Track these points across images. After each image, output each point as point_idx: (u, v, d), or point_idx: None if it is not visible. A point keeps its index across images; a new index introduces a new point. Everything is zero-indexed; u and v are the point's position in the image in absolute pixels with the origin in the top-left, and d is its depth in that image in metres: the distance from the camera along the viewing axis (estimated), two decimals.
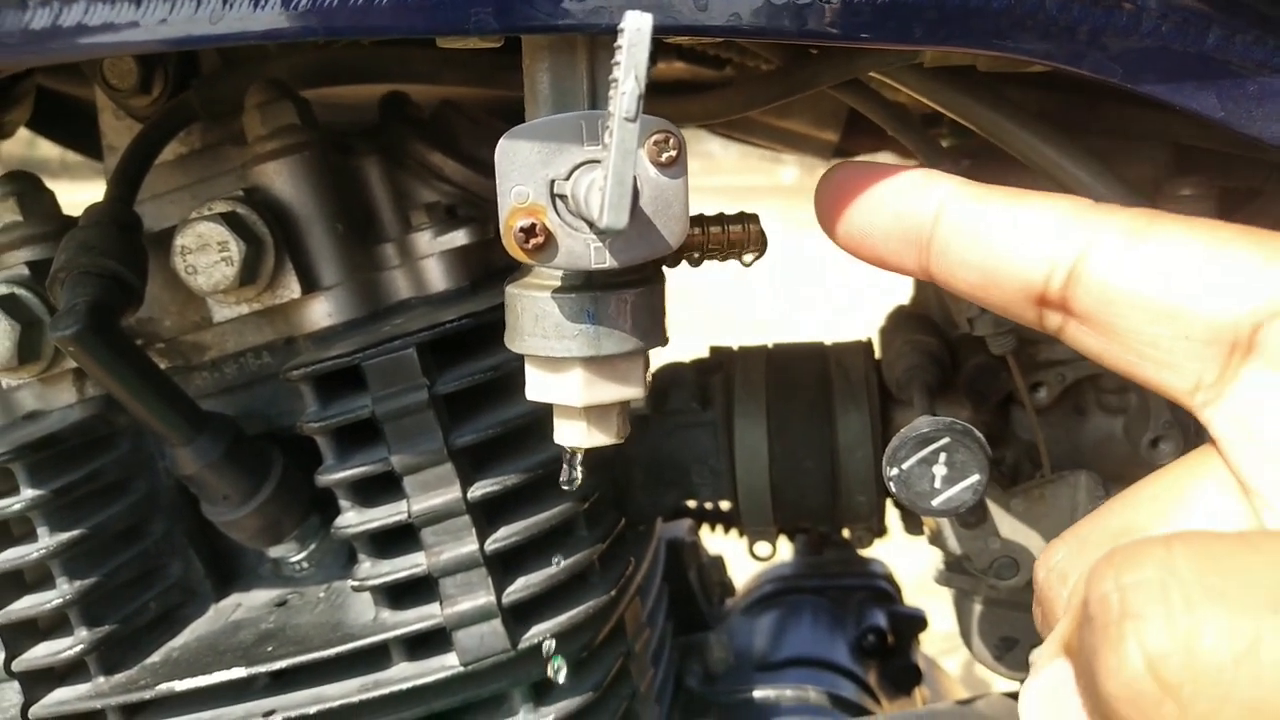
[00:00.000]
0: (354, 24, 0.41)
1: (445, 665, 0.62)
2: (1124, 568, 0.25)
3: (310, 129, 0.66)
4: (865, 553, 1.25)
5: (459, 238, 0.67)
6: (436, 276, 0.67)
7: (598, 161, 0.41)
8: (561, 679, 0.64)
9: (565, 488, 0.50)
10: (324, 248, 0.66)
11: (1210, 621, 0.23)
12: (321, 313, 0.66)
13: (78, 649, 0.64)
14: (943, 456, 0.56)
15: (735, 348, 0.86)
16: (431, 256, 0.67)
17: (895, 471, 0.56)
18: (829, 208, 0.39)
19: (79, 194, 0.78)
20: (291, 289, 0.65)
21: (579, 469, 0.50)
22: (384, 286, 0.68)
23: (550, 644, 0.64)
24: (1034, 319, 0.35)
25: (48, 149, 1.18)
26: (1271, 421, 0.29)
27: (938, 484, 0.56)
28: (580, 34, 0.42)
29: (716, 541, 1.05)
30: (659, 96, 0.73)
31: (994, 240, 0.35)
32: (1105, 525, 0.32)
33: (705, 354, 0.87)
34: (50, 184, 0.73)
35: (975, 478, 0.56)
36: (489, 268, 0.69)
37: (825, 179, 0.39)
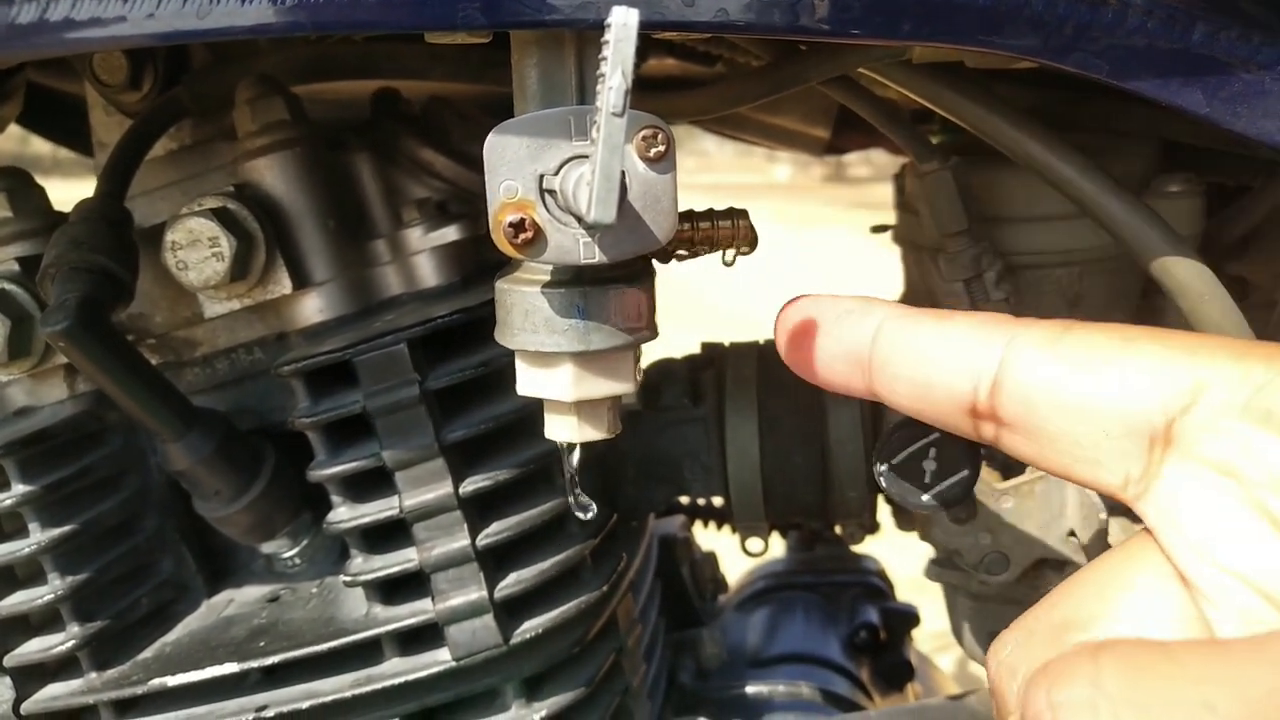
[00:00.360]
0: (341, 19, 0.41)
1: (437, 660, 0.63)
2: (1055, 684, 0.27)
3: (301, 125, 0.66)
4: (858, 549, 1.25)
5: (450, 233, 0.67)
6: (428, 272, 0.68)
7: (586, 157, 0.41)
8: None
9: (580, 515, 0.51)
10: (315, 243, 0.66)
11: None
12: (313, 308, 0.67)
13: (69, 645, 0.64)
14: (932, 452, 0.56)
15: (727, 344, 0.86)
16: (423, 252, 0.67)
17: (884, 467, 0.56)
18: (787, 342, 0.42)
19: (71, 190, 0.78)
20: (283, 285, 0.65)
21: (591, 504, 0.51)
22: (375, 282, 0.68)
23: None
24: (970, 430, 0.38)
25: (40, 145, 1.18)
26: (1194, 517, 0.30)
27: (927, 479, 0.56)
28: (568, 29, 0.42)
29: (709, 538, 1.05)
30: (649, 92, 0.74)
31: (923, 356, 0.37)
32: (1050, 618, 0.33)
33: (697, 350, 0.87)
34: (42, 180, 0.73)
35: (965, 473, 0.56)
36: (480, 263, 0.69)
37: (782, 314, 0.42)
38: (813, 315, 0.41)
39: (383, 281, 0.68)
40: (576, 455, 0.49)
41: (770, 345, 0.85)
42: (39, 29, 0.40)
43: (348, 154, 0.69)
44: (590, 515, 0.51)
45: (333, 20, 0.41)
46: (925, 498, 0.57)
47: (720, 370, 0.82)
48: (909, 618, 1.15)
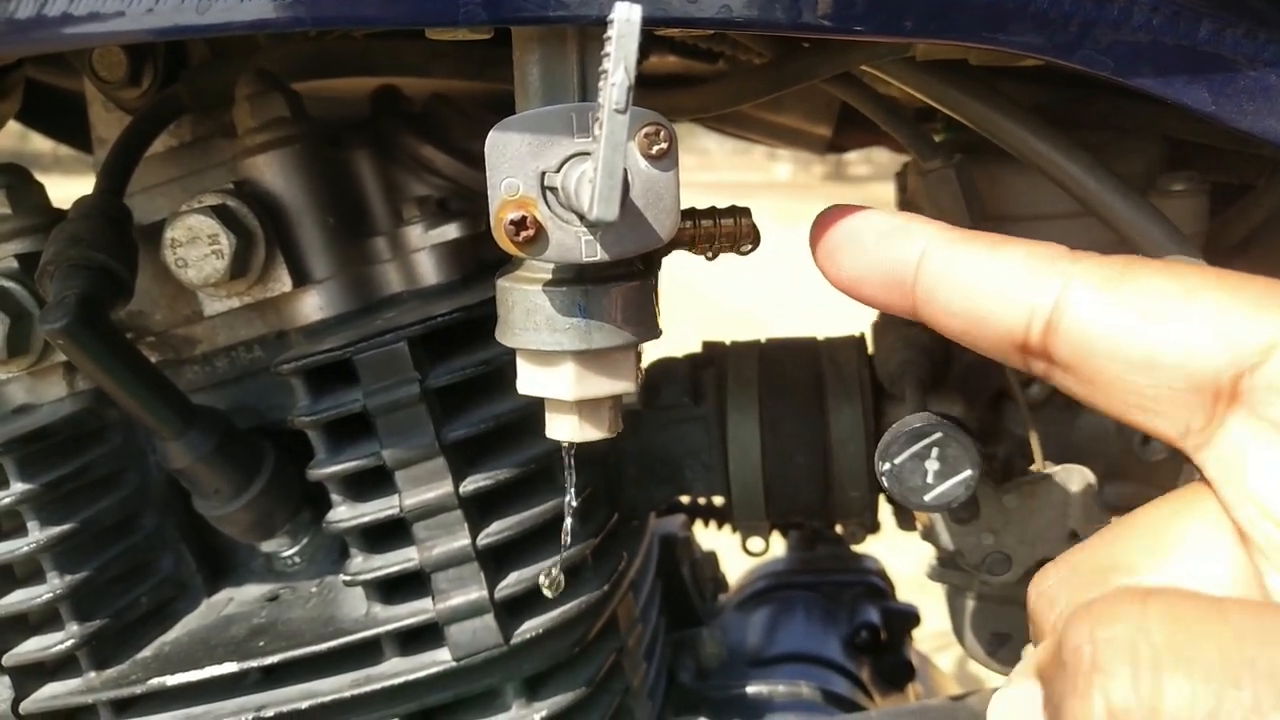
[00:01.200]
0: (342, 14, 0.41)
1: (437, 660, 0.62)
2: (1099, 621, 0.26)
3: (301, 121, 0.66)
4: (858, 549, 1.25)
5: (450, 231, 0.67)
6: (428, 270, 0.67)
7: (588, 154, 0.41)
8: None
9: (564, 540, 0.52)
10: (315, 241, 0.66)
11: (1175, 685, 0.24)
12: (313, 306, 0.66)
13: (68, 644, 0.64)
14: (935, 452, 0.56)
15: (728, 343, 0.86)
16: (423, 250, 0.67)
17: (887, 466, 0.56)
18: (823, 254, 0.40)
19: (71, 187, 0.78)
20: (283, 282, 0.65)
21: (573, 521, 0.52)
22: (375, 280, 0.68)
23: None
24: (1020, 364, 0.36)
25: (40, 142, 1.18)
26: (1259, 475, 0.30)
27: (930, 479, 0.56)
28: (570, 25, 0.42)
29: (709, 537, 1.05)
30: (651, 89, 0.73)
31: (973, 289, 0.35)
32: (1096, 557, 0.32)
33: (698, 349, 0.87)
34: (42, 177, 0.72)
35: (967, 473, 0.56)
36: (481, 261, 0.69)
37: (817, 223, 0.40)
38: (850, 232, 0.39)
39: (383, 279, 0.68)
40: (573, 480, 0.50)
41: (772, 344, 0.85)
42: (38, 24, 0.39)
43: (348, 151, 0.69)
44: (558, 591, 0.53)
45: (333, 15, 0.40)
46: (928, 498, 0.58)
47: (721, 369, 0.82)
48: (910, 618, 1.15)
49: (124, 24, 0.39)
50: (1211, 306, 0.30)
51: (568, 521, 0.53)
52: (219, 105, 0.69)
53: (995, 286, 0.35)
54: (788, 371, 0.80)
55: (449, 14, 0.40)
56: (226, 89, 0.68)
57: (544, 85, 0.44)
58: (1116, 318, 0.32)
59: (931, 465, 0.56)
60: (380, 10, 0.40)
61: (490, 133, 0.42)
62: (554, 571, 0.54)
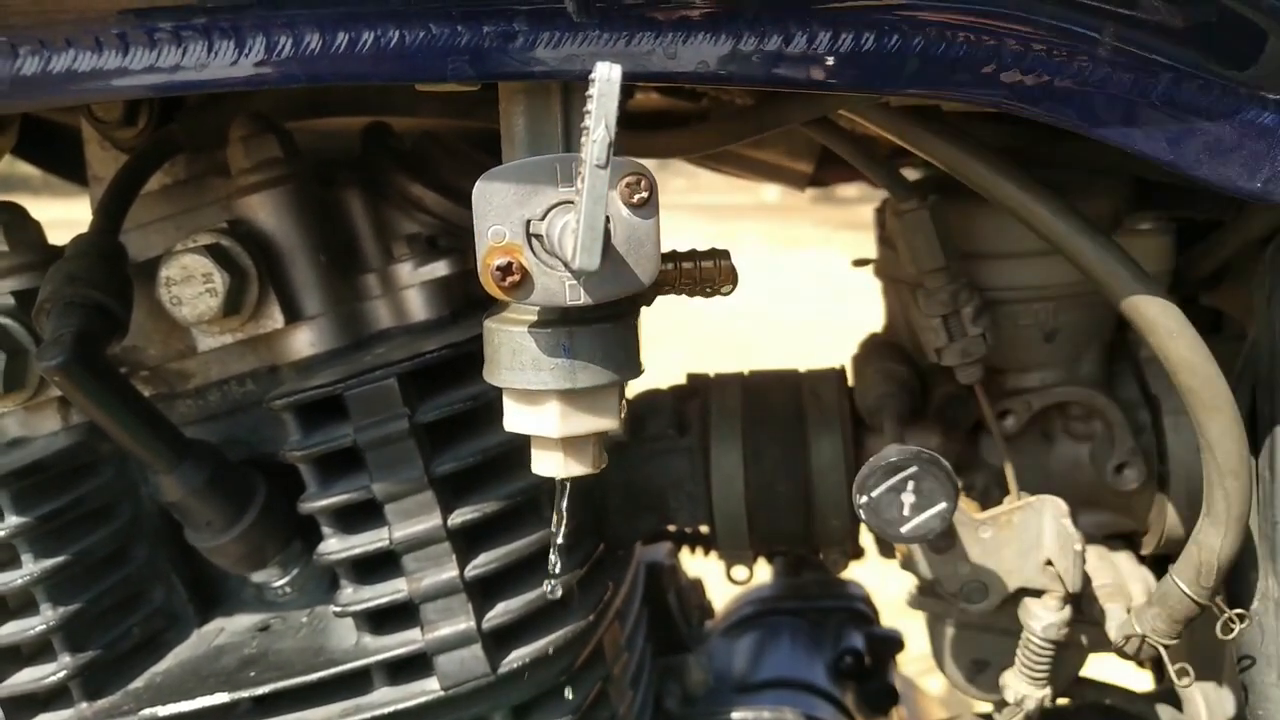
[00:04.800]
0: (335, 70, 0.43)
1: (426, 690, 0.64)
2: None
3: (293, 161, 0.68)
4: (844, 574, 1.26)
5: (440, 269, 0.68)
6: (417, 306, 0.69)
7: (572, 202, 0.43)
8: None
9: (548, 586, 0.54)
10: (307, 278, 0.67)
11: None
12: (304, 342, 0.68)
13: (61, 675, 0.65)
14: (911, 485, 0.58)
15: (711, 375, 0.88)
16: (413, 287, 0.69)
17: (865, 499, 0.58)
18: None
19: (61, 210, 0.79)
20: (275, 319, 0.66)
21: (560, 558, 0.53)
22: (366, 316, 0.69)
23: None
24: None
25: (29, 166, 1.19)
26: None
27: (906, 511, 0.58)
28: (554, 80, 0.44)
29: (695, 564, 1.06)
30: (636, 132, 0.75)
31: None
32: None
33: (682, 379, 0.89)
34: (32, 200, 0.73)
35: (942, 505, 0.58)
36: (469, 298, 0.71)
37: None
38: None
39: (373, 315, 0.69)
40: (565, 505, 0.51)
41: (754, 376, 0.87)
42: (42, 81, 0.41)
43: (339, 190, 0.71)
44: (557, 595, 0.54)
45: (327, 72, 0.42)
46: (904, 529, 0.59)
47: (705, 401, 0.83)
48: (894, 643, 1.16)
49: (126, 81, 0.41)
50: None
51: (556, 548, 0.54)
52: (212, 145, 0.71)
53: None
54: (770, 403, 0.82)
55: (438, 71, 0.42)
56: (220, 129, 0.70)
57: (529, 136, 0.46)
58: None
59: (908, 498, 0.57)
60: (372, 67, 0.42)
61: (478, 182, 0.43)
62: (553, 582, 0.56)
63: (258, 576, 0.71)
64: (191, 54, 0.41)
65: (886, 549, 0.87)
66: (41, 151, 1.06)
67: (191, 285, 0.63)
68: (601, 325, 0.47)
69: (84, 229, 0.67)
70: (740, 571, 0.87)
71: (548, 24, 0.42)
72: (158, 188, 0.72)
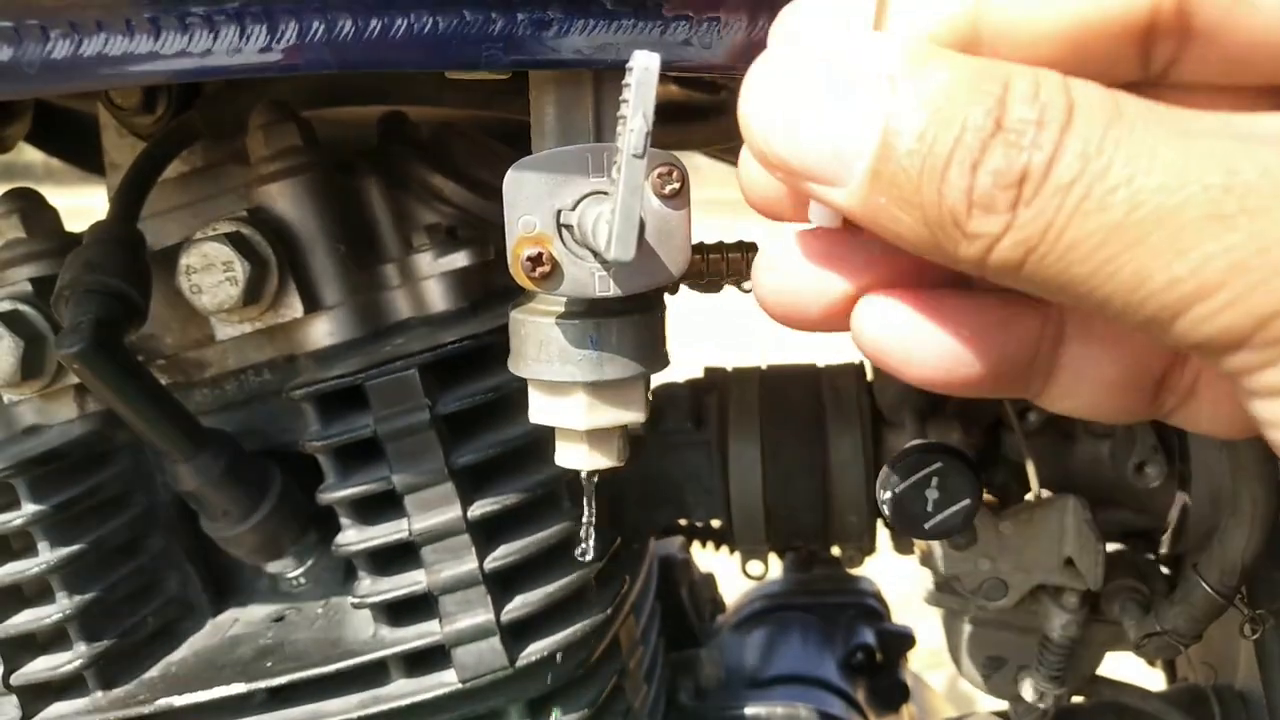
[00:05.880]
0: (368, 57, 0.42)
1: (443, 682, 0.63)
2: None
3: (313, 150, 0.67)
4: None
5: (459, 259, 0.68)
6: (437, 297, 0.68)
7: (603, 193, 0.42)
8: None
9: (580, 558, 0.53)
10: (326, 268, 0.67)
11: None
12: (323, 332, 0.67)
13: (76, 664, 0.65)
14: (935, 481, 0.57)
15: (729, 368, 0.87)
16: (432, 278, 0.68)
17: (888, 495, 0.58)
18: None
19: (63, 198, 0.79)
20: (294, 308, 0.66)
21: (593, 542, 0.53)
22: (385, 306, 0.69)
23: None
24: (1136, 66, 0.30)
25: (32, 153, 1.18)
26: None
27: (930, 508, 0.58)
28: (586, 69, 0.43)
29: (707, 558, 1.06)
30: (660, 124, 0.75)
31: None
32: None
33: (698, 373, 0.89)
34: (35, 187, 0.73)
35: (966, 502, 0.57)
36: (489, 288, 0.70)
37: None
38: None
39: (392, 305, 0.69)
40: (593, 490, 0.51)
41: (773, 371, 0.86)
42: (72, 65, 0.41)
43: (358, 179, 0.70)
44: (588, 558, 0.53)
45: (359, 58, 0.42)
46: (928, 526, 0.59)
47: (723, 395, 0.83)
48: (905, 639, 1.16)
49: (157, 65, 0.41)
50: None
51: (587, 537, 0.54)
52: (231, 132, 0.70)
53: None
54: (789, 398, 0.81)
55: (471, 58, 0.42)
56: (239, 117, 0.69)
57: (560, 126, 0.46)
58: None
59: (932, 494, 0.57)
60: (405, 55, 0.42)
61: (509, 171, 0.43)
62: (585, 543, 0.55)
63: (273, 567, 0.71)
64: (224, 39, 0.41)
65: (903, 545, 0.87)
66: (50, 137, 1.06)
67: (212, 273, 0.62)
68: (629, 317, 0.46)
69: (87, 216, 0.67)
70: (756, 566, 0.87)
71: (582, 11, 0.41)
72: (175, 175, 0.72)
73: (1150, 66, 0.30)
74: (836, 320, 0.33)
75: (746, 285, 0.54)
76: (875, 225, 0.29)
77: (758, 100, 0.30)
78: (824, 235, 0.33)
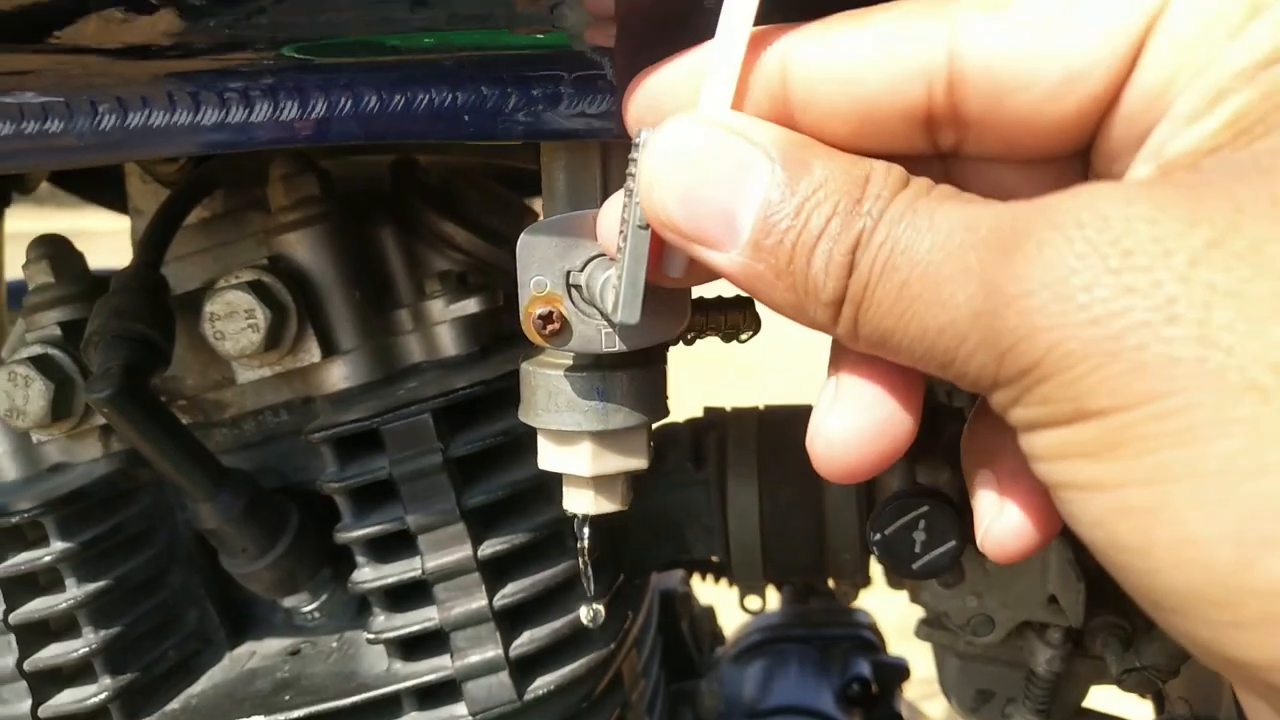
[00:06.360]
0: (392, 129, 0.45)
1: (455, 715, 0.66)
2: None
3: (331, 200, 0.70)
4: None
5: (470, 305, 0.71)
6: (448, 342, 0.71)
7: (610, 256, 0.45)
8: None
9: (589, 624, 0.56)
10: (342, 313, 0.70)
11: None
12: (339, 375, 0.70)
13: (101, 696, 0.67)
14: (922, 523, 0.60)
15: (728, 409, 0.90)
16: (444, 323, 0.71)
17: (878, 537, 0.60)
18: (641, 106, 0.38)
19: (66, 221, 0.82)
20: (312, 353, 0.69)
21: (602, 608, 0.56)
22: (398, 350, 0.72)
23: None
24: (926, 145, 0.34)
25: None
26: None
27: (918, 549, 0.60)
28: (594, 139, 0.47)
29: (707, 591, 1.08)
30: None
31: (854, 72, 0.32)
32: None
33: (698, 412, 0.91)
34: (37, 211, 0.76)
35: (952, 544, 0.60)
36: (498, 333, 0.73)
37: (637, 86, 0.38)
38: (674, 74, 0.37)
39: (405, 350, 0.72)
40: (588, 534, 0.53)
41: (770, 411, 0.89)
42: (118, 137, 0.44)
43: (373, 227, 0.73)
44: (597, 624, 0.56)
45: (384, 131, 0.45)
46: (916, 566, 0.62)
47: (722, 435, 0.85)
48: (900, 670, 1.18)
49: (197, 137, 0.44)
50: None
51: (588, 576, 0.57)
52: (251, 180, 0.73)
53: (879, 59, 0.32)
54: (786, 439, 0.84)
55: (489, 131, 0.45)
56: (259, 166, 0.72)
57: (570, 191, 0.49)
58: (1015, 37, 0.31)
59: (919, 536, 0.60)
60: (427, 127, 0.45)
61: (522, 235, 0.46)
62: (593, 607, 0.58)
63: (288, 601, 0.73)
64: (259, 112, 0.44)
65: (895, 581, 0.89)
66: (68, 176, 1.09)
67: (235, 321, 0.65)
68: (633, 370, 0.49)
69: (89, 238, 0.69)
70: (753, 601, 0.90)
71: (591, 88, 0.44)
72: (196, 221, 0.74)
73: (940, 144, 0.34)
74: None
75: (744, 336, 0.57)
76: (751, 288, 0.34)
77: (658, 168, 0.34)
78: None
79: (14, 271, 0.88)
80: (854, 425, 0.35)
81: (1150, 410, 0.26)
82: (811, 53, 0.33)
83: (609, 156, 0.48)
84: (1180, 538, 0.26)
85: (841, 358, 0.37)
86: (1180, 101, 0.30)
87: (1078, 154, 0.33)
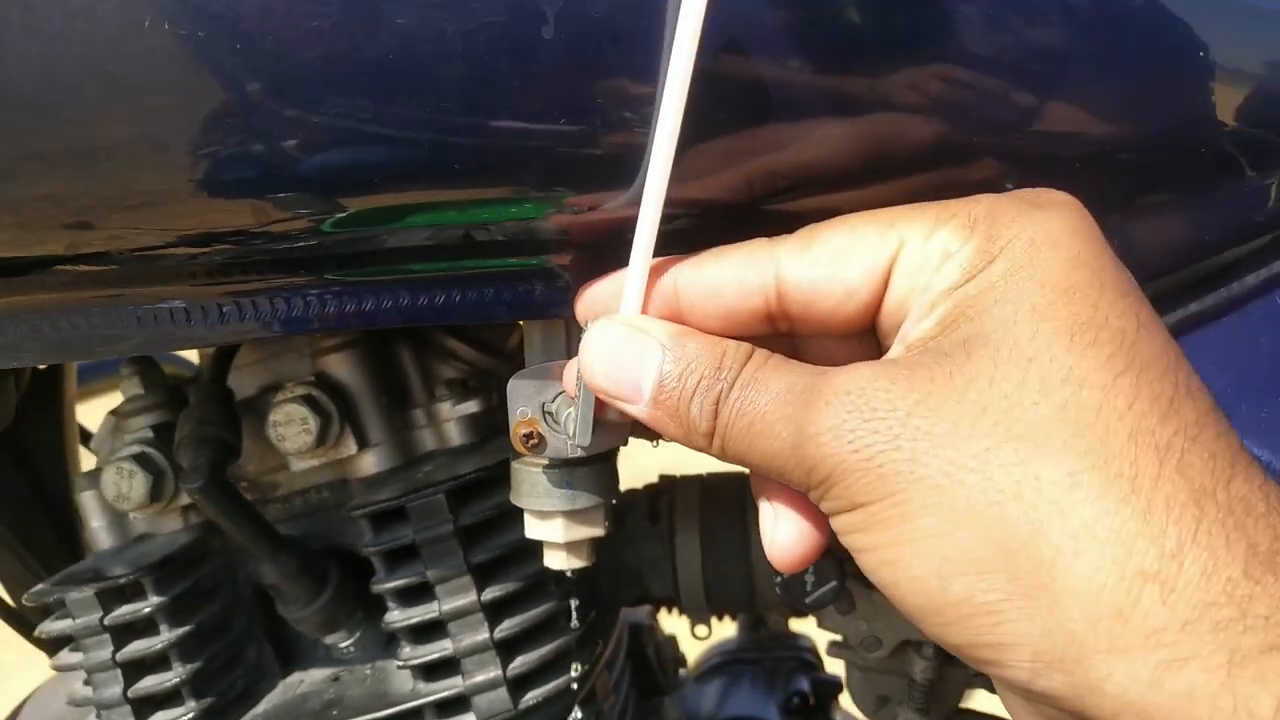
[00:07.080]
0: (398, 318, 0.63)
1: None
2: None
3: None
4: (796, 627, 1.47)
5: (472, 406, 0.90)
6: (455, 434, 0.90)
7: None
8: None
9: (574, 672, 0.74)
10: (372, 415, 0.89)
11: None
12: (370, 462, 0.89)
13: (189, 718, 0.85)
14: (810, 569, 0.80)
15: (678, 476, 1.09)
16: (451, 420, 0.90)
17: (779, 580, 0.80)
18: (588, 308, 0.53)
19: None
20: (349, 447, 0.88)
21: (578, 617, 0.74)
22: (415, 441, 0.91)
23: None
24: (772, 330, 0.47)
25: None
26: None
27: (809, 588, 0.80)
28: (560, 317, 0.66)
29: (670, 623, 1.26)
30: None
31: (719, 293, 0.46)
32: None
33: (655, 479, 1.10)
34: None
35: (833, 583, 0.80)
36: (493, 426, 0.92)
37: (585, 307, 0.54)
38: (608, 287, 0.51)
39: (420, 441, 0.91)
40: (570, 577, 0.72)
41: (711, 477, 1.08)
42: (147, 336, 0.62)
43: (393, 345, 0.93)
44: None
45: (388, 318, 0.63)
46: (808, 601, 0.81)
47: (671, 498, 1.02)
48: (834, 685, 1.35)
49: (211, 334, 0.61)
50: (861, 237, 0.44)
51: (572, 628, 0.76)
52: None
53: (734, 280, 0.46)
54: (721, 499, 1.02)
55: (481, 314, 0.64)
56: None
57: (544, 347, 0.68)
58: (813, 269, 0.44)
59: (809, 579, 0.80)
60: (428, 314, 0.62)
61: (510, 380, 0.63)
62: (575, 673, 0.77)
63: (329, 639, 0.91)
64: (260, 316, 0.60)
65: (798, 612, 1.08)
66: None
67: (292, 427, 0.85)
68: (592, 466, 0.64)
69: None
70: (701, 630, 1.08)
71: (558, 288, 0.63)
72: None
73: (779, 329, 0.47)
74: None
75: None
76: (655, 426, 0.47)
77: (594, 350, 0.49)
78: None
79: None
80: (793, 535, 0.48)
81: (887, 503, 0.39)
82: (693, 275, 0.47)
83: (570, 324, 0.68)
84: (911, 577, 0.39)
85: (760, 484, 0.50)
86: (914, 308, 0.43)
87: (868, 331, 0.47)
